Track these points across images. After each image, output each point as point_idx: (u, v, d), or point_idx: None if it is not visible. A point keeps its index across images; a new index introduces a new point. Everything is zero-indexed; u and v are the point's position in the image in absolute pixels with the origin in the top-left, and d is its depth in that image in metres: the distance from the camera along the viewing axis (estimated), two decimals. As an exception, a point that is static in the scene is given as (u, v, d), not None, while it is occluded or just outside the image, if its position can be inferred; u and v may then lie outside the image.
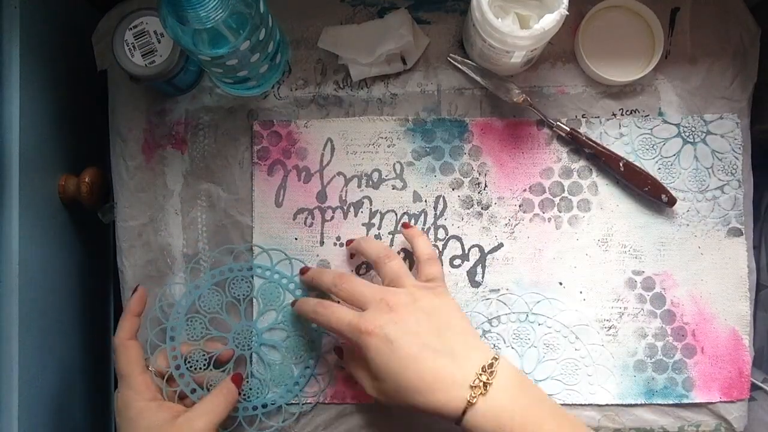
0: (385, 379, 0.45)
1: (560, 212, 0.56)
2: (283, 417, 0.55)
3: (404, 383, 0.44)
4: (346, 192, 0.56)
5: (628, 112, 0.56)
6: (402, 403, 0.45)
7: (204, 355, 0.53)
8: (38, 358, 0.53)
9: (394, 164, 0.56)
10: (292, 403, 0.55)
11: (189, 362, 0.52)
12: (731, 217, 0.55)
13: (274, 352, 0.55)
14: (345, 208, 0.56)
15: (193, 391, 0.52)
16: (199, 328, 0.54)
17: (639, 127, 0.56)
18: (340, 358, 0.54)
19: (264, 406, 0.54)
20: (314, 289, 0.54)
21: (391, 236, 0.56)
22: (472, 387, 0.43)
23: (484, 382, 0.43)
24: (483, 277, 0.55)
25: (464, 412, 0.43)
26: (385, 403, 0.47)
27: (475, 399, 0.43)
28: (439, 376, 0.44)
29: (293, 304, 0.53)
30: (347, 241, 0.55)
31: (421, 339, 0.45)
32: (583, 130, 0.56)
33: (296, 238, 0.56)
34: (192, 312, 0.54)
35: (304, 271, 0.54)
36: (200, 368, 0.53)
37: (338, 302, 0.50)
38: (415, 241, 0.52)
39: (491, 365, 0.44)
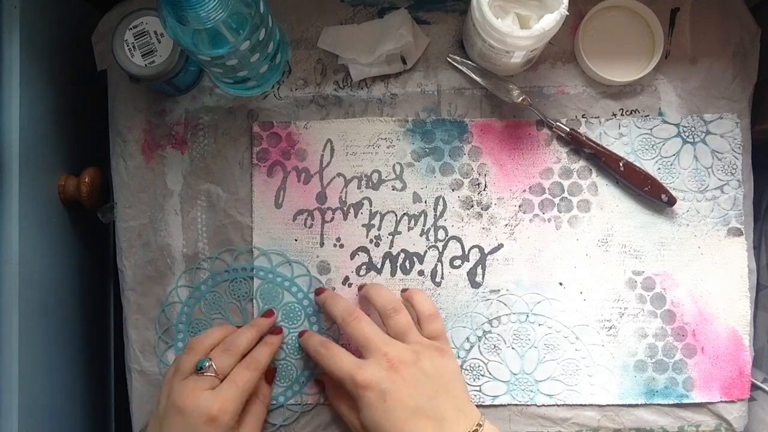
0: None
1: (560, 213, 0.56)
2: (284, 416, 0.55)
3: None
4: (346, 193, 0.56)
5: (628, 112, 0.56)
6: None
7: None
8: (38, 358, 0.53)
9: (393, 165, 0.56)
10: (292, 404, 0.55)
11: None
12: (731, 217, 0.55)
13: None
14: (345, 209, 0.56)
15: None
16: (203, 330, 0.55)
17: (639, 127, 0.56)
18: (320, 390, 0.54)
19: None
20: (324, 311, 0.54)
21: (390, 237, 0.56)
22: None
23: None
24: (483, 278, 0.55)
25: None
26: None
27: None
28: None
29: (300, 335, 0.54)
30: (359, 286, 0.55)
31: (415, 401, 0.46)
32: (582, 130, 0.56)
33: (296, 239, 0.56)
34: (196, 315, 0.55)
35: (319, 292, 0.54)
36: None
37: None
38: (415, 298, 0.52)
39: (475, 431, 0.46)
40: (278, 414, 0.55)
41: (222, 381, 0.48)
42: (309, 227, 0.56)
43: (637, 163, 0.55)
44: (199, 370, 0.48)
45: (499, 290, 0.55)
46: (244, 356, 0.51)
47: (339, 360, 0.49)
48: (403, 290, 0.54)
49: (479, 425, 0.46)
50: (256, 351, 0.51)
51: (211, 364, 0.48)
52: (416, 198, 0.56)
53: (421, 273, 0.56)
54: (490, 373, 0.55)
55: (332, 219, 0.56)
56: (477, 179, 0.56)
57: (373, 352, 0.48)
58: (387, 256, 0.56)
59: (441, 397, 0.47)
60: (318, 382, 0.54)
